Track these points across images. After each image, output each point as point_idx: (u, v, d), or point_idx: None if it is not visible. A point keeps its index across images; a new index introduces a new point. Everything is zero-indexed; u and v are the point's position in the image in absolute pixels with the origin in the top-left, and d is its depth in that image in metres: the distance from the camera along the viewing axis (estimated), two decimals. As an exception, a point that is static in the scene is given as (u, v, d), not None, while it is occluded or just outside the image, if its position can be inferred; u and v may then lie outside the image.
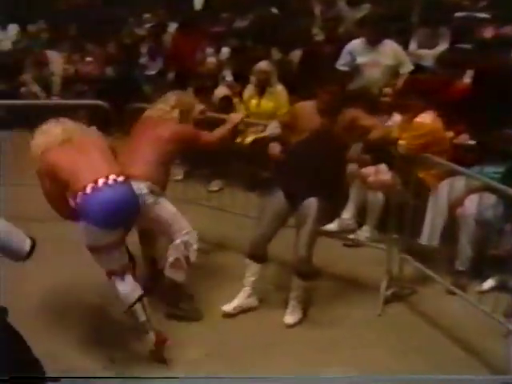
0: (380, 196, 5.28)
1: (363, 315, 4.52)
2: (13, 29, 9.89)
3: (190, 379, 3.51)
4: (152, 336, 3.89)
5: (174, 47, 8.31)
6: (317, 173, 4.29)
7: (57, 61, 8.82)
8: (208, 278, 4.96)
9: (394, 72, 6.51)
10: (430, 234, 4.94)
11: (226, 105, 6.60)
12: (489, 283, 4.67)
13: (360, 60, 6.51)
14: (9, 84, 8.81)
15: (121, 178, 3.56)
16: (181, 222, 4.33)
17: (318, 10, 8.88)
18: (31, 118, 8.11)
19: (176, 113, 4.53)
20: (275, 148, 4.52)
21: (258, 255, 4.42)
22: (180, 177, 6.79)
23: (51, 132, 3.90)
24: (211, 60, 7.28)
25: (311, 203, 4.26)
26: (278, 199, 4.39)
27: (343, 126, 4.41)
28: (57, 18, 10.07)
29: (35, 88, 8.61)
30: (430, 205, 4.97)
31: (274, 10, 8.96)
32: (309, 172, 4.29)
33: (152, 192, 4.18)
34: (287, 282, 4.51)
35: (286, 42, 7.75)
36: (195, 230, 4.37)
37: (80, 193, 3.43)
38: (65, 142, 3.82)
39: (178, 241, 4.25)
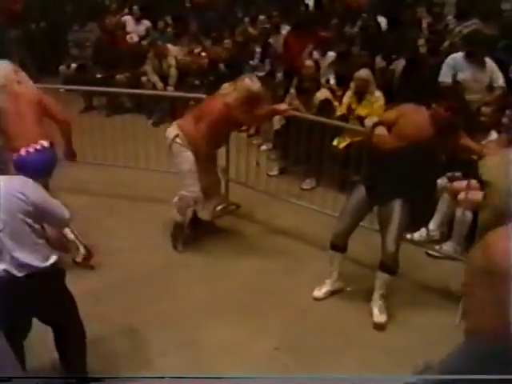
0: (468, 214, 5.02)
1: (440, 325, 4.31)
2: (144, 24, 10.13)
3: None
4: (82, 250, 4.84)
5: (284, 48, 8.23)
6: (409, 178, 4.14)
7: (176, 54, 8.95)
8: (287, 274, 4.92)
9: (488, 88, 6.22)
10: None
11: (326, 107, 6.49)
12: None
13: (461, 76, 6.22)
14: (132, 73, 9.04)
15: (46, 144, 3.59)
16: (192, 180, 5.02)
17: (425, 22, 8.58)
18: (148, 105, 8.57)
19: (234, 94, 4.91)
20: (382, 130, 4.25)
21: (340, 246, 4.51)
22: (275, 172, 6.76)
23: None
24: (309, 63, 7.14)
25: (397, 204, 4.19)
26: (361, 195, 4.37)
27: (451, 143, 4.18)
28: (181, 14, 10.23)
29: (154, 78, 8.79)
30: None
31: (383, 20, 8.71)
32: (401, 176, 4.15)
33: (177, 140, 4.96)
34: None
35: (391, 51, 7.52)
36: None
37: (15, 154, 3.47)
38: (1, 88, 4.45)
39: (183, 192, 5.06)
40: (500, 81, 6.22)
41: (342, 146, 6.31)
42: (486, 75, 6.20)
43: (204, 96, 5.81)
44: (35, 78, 5.16)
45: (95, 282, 4.72)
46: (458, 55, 6.25)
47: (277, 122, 7.00)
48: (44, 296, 3.25)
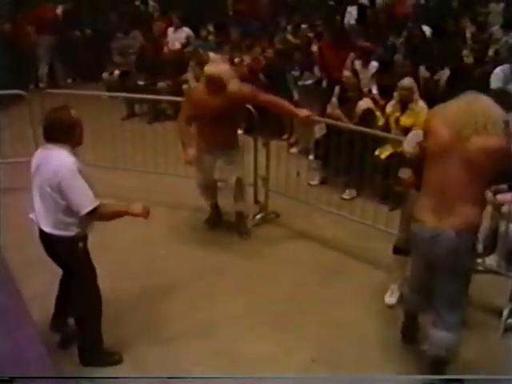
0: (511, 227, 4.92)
1: (482, 339, 4.26)
2: (184, 31, 10.21)
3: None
4: None
5: (320, 58, 8.20)
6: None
7: (217, 62, 8.99)
8: (325, 285, 4.89)
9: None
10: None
11: (368, 117, 6.44)
12: None
13: (510, 87, 6.11)
14: (174, 81, 9.11)
15: None
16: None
17: (469, 31, 8.48)
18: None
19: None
20: (405, 173, 3.97)
21: (403, 249, 4.38)
22: (316, 182, 6.72)
23: None
24: (347, 73, 7.12)
25: None
26: None
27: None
28: (223, 23, 10.29)
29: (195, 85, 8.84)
30: None
31: (427, 29, 8.62)
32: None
33: None
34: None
35: (435, 61, 7.43)
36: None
37: None
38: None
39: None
40: None
41: (383, 156, 6.25)
42: None
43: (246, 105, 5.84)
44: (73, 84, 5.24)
45: (134, 288, 4.74)
46: (507, 67, 6.15)
47: (318, 132, 6.98)
48: (61, 256, 3.77)
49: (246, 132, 6.84)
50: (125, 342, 3.70)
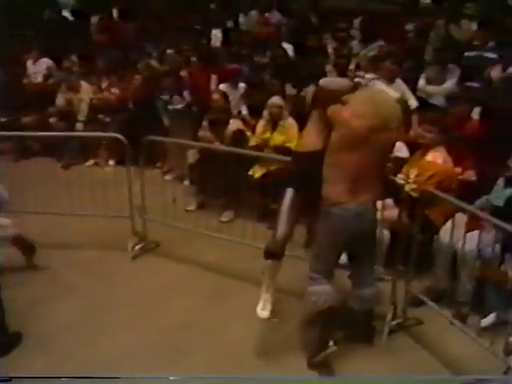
0: (386, 233, 5.22)
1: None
2: (44, 63, 9.97)
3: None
4: None
5: (192, 81, 8.31)
6: None
7: (87, 89, 8.91)
8: (213, 309, 4.94)
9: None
10: (439, 275, 4.98)
11: (239, 138, 6.59)
12: (489, 319, 4.54)
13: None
14: (39, 115, 8.90)
15: None
16: None
17: (331, 47, 8.89)
18: (57, 147, 8.44)
19: None
20: None
21: (276, 253, 4.39)
22: (193, 207, 6.79)
23: None
24: (215, 96, 7.30)
25: None
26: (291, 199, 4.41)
27: None
28: (87, 53, 10.14)
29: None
30: (436, 246, 4.98)
31: (290, 47, 8.96)
32: None
33: None
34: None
35: (300, 78, 7.72)
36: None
37: None
38: None
39: None
40: (412, 102, 6.47)
41: (257, 175, 6.39)
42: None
43: (116, 135, 5.84)
44: None
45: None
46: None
47: (191, 157, 7.04)
48: None
49: (119, 163, 6.80)
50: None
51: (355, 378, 3.94)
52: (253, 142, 6.60)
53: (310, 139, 4.26)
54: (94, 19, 11.59)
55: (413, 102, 6.47)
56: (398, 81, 6.58)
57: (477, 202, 4.81)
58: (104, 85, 9.06)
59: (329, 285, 4.17)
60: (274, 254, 4.39)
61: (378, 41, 8.27)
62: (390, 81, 6.40)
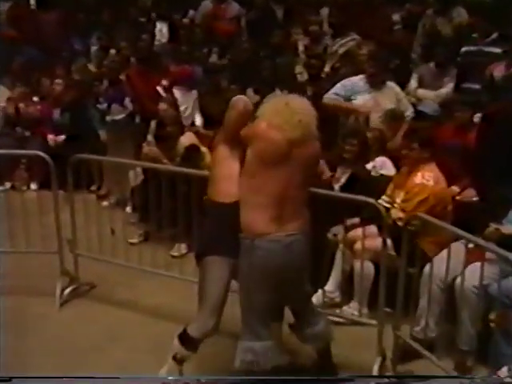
0: (369, 266, 5.26)
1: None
2: None
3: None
4: None
5: (133, 87, 8.29)
6: None
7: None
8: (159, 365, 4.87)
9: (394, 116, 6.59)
10: (426, 322, 4.83)
11: (192, 155, 6.60)
12: (502, 373, 4.35)
13: (359, 100, 6.61)
14: None
15: None
16: None
17: (301, 45, 8.93)
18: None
19: None
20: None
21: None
22: (136, 239, 6.77)
23: None
24: (162, 106, 7.29)
25: None
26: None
27: None
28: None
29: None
30: (424, 281, 4.87)
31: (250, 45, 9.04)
32: None
33: None
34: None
35: (265, 82, 7.77)
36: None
37: None
38: None
39: None
40: (409, 112, 6.67)
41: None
42: (390, 102, 6.65)
43: (38, 152, 5.80)
44: None
45: None
46: (358, 78, 6.75)
47: (133, 178, 7.02)
48: None
49: (43, 186, 6.74)
50: None
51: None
52: (209, 159, 6.59)
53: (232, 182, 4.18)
54: (3, 7, 11.26)
55: (409, 111, 6.62)
56: (390, 84, 6.70)
57: (486, 232, 4.68)
58: (19, 91, 8.97)
59: (266, 340, 4.12)
60: (195, 344, 4.35)
61: (350, 34, 8.39)
62: (377, 84, 6.52)
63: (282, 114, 3.93)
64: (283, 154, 3.89)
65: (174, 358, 4.38)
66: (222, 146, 4.31)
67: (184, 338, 4.34)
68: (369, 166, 5.98)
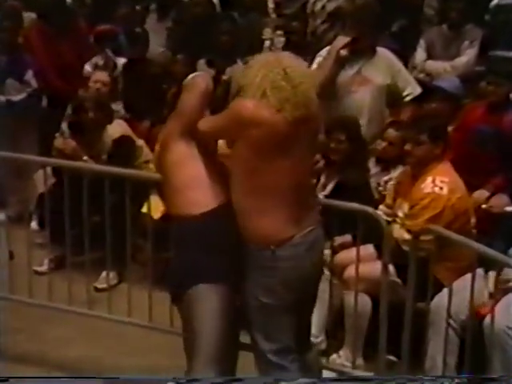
0: (364, 299, 5.35)
1: None
2: None
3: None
4: None
5: (37, 55, 8.35)
6: None
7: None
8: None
9: (390, 96, 6.72)
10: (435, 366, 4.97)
11: (124, 150, 6.75)
12: None
13: (342, 75, 6.59)
14: None
15: None
16: None
17: (271, 2, 9.01)
18: None
19: None
20: None
21: None
22: (45, 267, 6.84)
23: None
24: (99, 76, 7.42)
25: None
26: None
27: None
28: None
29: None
30: (435, 318, 4.99)
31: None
32: None
33: None
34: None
35: (222, 52, 7.88)
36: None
37: None
38: None
39: None
40: (409, 90, 6.66)
41: (156, 215, 6.38)
42: (383, 75, 6.65)
43: None
44: None
45: None
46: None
47: (41, 182, 6.97)
48: None
49: None
50: None
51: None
52: (148, 157, 6.74)
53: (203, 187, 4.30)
54: None
55: (415, 89, 6.71)
56: (382, 51, 6.76)
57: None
58: None
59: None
60: None
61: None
62: (364, 53, 6.60)
63: (282, 88, 3.94)
64: (290, 139, 3.98)
65: None
66: (179, 140, 4.30)
67: None
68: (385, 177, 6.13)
